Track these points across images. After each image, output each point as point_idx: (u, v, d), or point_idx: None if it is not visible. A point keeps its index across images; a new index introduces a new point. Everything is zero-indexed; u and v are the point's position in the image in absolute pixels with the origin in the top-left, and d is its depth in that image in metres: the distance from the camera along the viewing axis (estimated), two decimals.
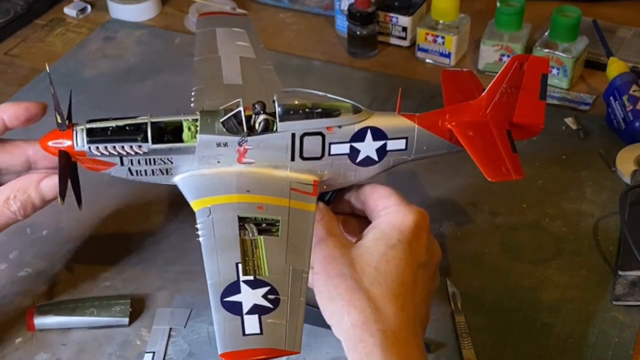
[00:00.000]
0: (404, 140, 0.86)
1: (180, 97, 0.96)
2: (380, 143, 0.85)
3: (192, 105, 0.91)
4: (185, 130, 0.82)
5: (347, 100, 0.84)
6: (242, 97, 0.82)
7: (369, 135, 0.85)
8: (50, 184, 0.79)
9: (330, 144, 0.84)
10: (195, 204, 0.80)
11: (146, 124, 0.81)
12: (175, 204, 1.06)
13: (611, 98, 1.19)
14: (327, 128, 0.83)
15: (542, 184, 1.11)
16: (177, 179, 0.83)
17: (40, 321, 0.92)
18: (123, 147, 0.80)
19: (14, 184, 0.79)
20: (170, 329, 0.92)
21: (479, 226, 1.05)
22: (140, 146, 0.80)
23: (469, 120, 0.88)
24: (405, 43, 1.39)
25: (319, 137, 0.83)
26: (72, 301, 0.94)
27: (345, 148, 0.84)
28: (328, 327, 0.89)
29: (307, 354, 0.89)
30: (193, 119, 0.82)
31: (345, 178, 0.87)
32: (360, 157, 0.85)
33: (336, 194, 0.89)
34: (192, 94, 0.93)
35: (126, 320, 0.92)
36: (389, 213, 0.80)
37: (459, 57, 1.36)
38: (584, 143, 1.18)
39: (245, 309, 0.70)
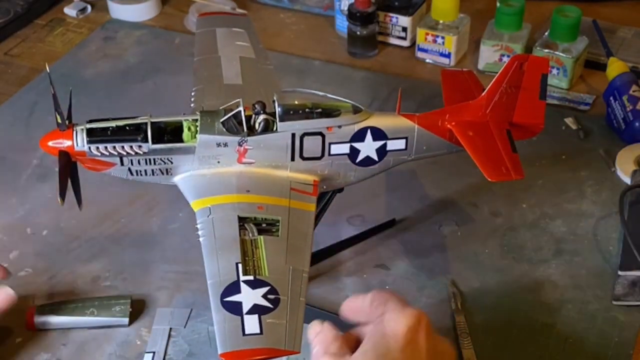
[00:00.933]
0: (404, 140, 0.86)
1: (180, 97, 0.96)
2: (380, 143, 0.85)
3: (192, 105, 0.92)
4: (185, 130, 0.82)
5: (347, 100, 0.84)
6: (242, 97, 0.82)
7: (369, 135, 0.85)
8: (1, 296, 0.81)
9: (330, 144, 0.84)
10: (195, 204, 0.80)
11: (146, 124, 0.81)
12: (175, 204, 1.06)
13: (611, 98, 1.19)
14: (327, 128, 0.83)
15: (542, 184, 1.11)
16: (177, 179, 0.83)
17: (40, 321, 0.92)
18: (123, 147, 0.80)
19: None
20: (170, 329, 0.92)
21: (479, 226, 1.05)
22: (140, 146, 0.80)
23: (469, 120, 0.88)
24: (405, 43, 1.39)
25: (319, 137, 0.83)
26: (72, 301, 0.94)
27: (345, 148, 0.84)
28: None
29: (307, 354, 0.88)
30: (193, 119, 0.82)
31: (345, 178, 0.87)
32: (360, 157, 0.85)
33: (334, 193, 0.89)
34: (192, 94, 0.94)
35: (126, 320, 0.92)
36: (382, 321, 0.72)
37: (459, 57, 1.36)
38: (584, 143, 1.18)
39: (245, 309, 0.70)
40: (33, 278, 0.99)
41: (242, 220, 0.78)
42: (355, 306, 0.75)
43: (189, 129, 0.82)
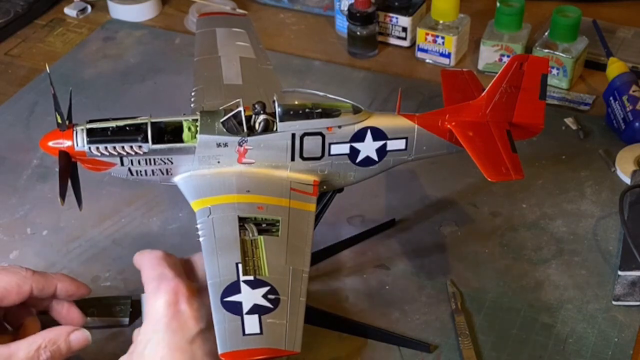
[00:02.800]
0: (403, 141, 0.86)
1: (180, 97, 0.96)
2: (380, 143, 0.85)
3: (192, 105, 0.92)
4: (185, 130, 0.82)
5: (347, 101, 0.84)
6: (242, 97, 0.82)
7: (369, 135, 0.85)
8: (79, 337, 0.80)
9: (330, 144, 0.84)
10: (195, 204, 0.80)
11: (146, 124, 0.81)
12: (175, 204, 1.06)
13: (611, 98, 1.19)
14: (327, 128, 0.83)
15: (542, 184, 1.11)
16: (177, 179, 0.83)
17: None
18: (123, 147, 0.80)
19: (46, 334, 0.79)
20: None
21: (479, 226, 1.05)
22: (140, 146, 0.80)
23: (469, 120, 0.88)
24: (405, 43, 1.39)
25: (319, 137, 0.83)
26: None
27: (345, 148, 0.84)
28: (328, 327, 0.89)
29: (307, 354, 0.88)
30: (193, 119, 0.82)
31: (345, 178, 0.87)
32: (360, 157, 0.85)
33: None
34: (192, 94, 0.94)
35: (126, 320, 0.92)
36: (143, 302, 0.77)
37: (459, 57, 1.36)
38: (584, 143, 1.18)
39: (245, 309, 0.70)
40: None
41: (242, 221, 0.78)
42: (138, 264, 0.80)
43: (189, 129, 0.82)
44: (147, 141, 0.80)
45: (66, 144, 0.80)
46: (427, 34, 1.34)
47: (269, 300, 0.71)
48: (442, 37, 1.33)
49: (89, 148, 0.80)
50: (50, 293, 0.82)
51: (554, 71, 1.27)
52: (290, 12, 1.51)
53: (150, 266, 0.78)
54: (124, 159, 0.81)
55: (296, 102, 0.83)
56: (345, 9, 1.37)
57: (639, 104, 1.16)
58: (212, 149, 0.81)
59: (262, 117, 0.82)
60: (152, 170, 0.82)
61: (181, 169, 0.82)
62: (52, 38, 1.46)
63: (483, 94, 0.88)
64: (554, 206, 1.08)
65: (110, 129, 0.81)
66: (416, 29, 1.35)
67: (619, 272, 0.96)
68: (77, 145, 0.80)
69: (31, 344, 0.76)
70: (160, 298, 0.74)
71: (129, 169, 0.82)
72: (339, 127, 0.83)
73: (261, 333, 0.69)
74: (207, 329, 0.73)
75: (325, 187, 0.87)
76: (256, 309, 0.71)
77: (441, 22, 1.33)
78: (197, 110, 0.85)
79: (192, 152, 0.81)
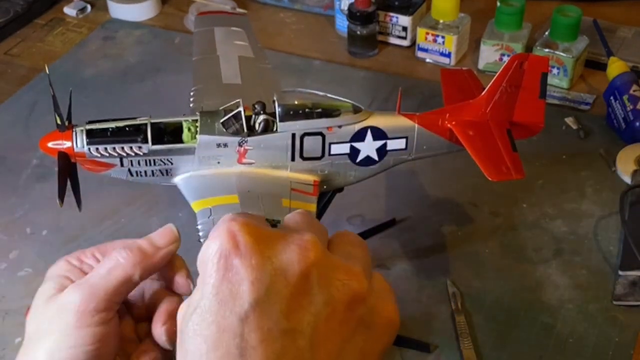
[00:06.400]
0: (404, 140, 0.86)
1: (180, 97, 0.96)
2: (380, 143, 0.85)
3: (191, 105, 0.91)
4: (185, 131, 0.82)
5: (347, 100, 0.84)
6: (241, 97, 0.82)
7: (369, 135, 0.84)
8: (160, 232, 0.62)
9: (330, 144, 0.84)
10: (195, 205, 0.80)
11: (146, 124, 0.80)
12: (175, 205, 1.06)
13: (611, 98, 1.19)
14: (327, 128, 0.83)
15: (542, 184, 1.11)
16: (177, 180, 0.83)
17: None
18: (123, 148, 0.80)
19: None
20: None
21: (479, 226, 1.05)
22: (140, 147, 0.80)
23: (469, 120, 0.87)
24: (406, 43, 1.39)
25: (319, 137, 0.83)
26: None
27: (345, 148, 0.84)
28: None
29: None
30: (193, 120, 0.82)
31: (345, 178, 0.87)
32: (361, 156, 0.85)
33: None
34: (191, 93, 0.93)
35: None
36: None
37: (459, 57, 1.36)
38: (584, 143, 1.18)
39: None
40: (33, 278, 0.99)
41: None
42: None
43: (189, 129, 0.82)
44: (146, 142, 0.80)
45: (66, 145, 0.80)
46: (427, 34, 1.33)
47: None
48: (443, 37, 1.32)
49: (89, 149, 0.80)
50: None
51: (555, 71, 1.27)
52: (290, 12, 1.51)
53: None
54: (124, 159, 0.81)
55: (296, 102, 0.83)
56: (346, 8, 1.37)
57: (639, 104, 1.16)
58: (212, 150, 0.81)
59: (262, 117, 0.82)
60: (152, 171, 0.82)
61: (181, 170, 0.82)
62: (52, 37, 1.46)
63: (483, 93, 0.88)
64: (554, 206, 1.08)
65: (110, 129, 0.80)
66: (416, 29, 1.35)
67: (620, 272, 0.96)
68: (77, 146, 0.80)
69: None
70: (213, 244, 0.48)
71: (129, 170, 0.82)
72: (339, 126, 0.83)
73: None
74: (267, 297, 0.47)
75: (325, 187, 0.87)
76: None
77: (441, 21, 1.33)
78: (197, 110, 0.85)
79: (192, 153, 0.81)
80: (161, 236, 0.60)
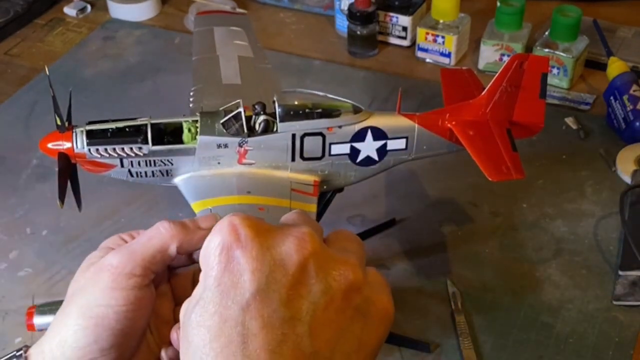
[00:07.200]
0: (404, 140, 0.86)
1: (180, 97, 0.96)
2: (380, 143, 0.85)
3: (190, 105, 0.91)
4: (186, 131, 0.82)
5: (347, 101, 0.84)
6: (241, 97, 0.82)
7: (369, 135, 0.85)
8: (204, 216, 0.63)
9: (330, 144, 0.84)
10: (195, 206, 0.80)
11: (146, 125, 0.80)
12: (175, 205, 1.06)
13: (611, 98, 1.19)
14: (328, 128, 0.83)
15: (542, 184, 1.11)
16: (178, 180, 0.83)
17: (40, 321, 0.91)
18: (123, 148, 0.80)
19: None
20: None
21: (479, 226, 1.05)
22: (140, 148, 0.80)
23: (469, 120, 0.87)
24: (406, 43, 1.39)
25: (320, 138, 0.83)
26: None
27: (345, 148, 0.84)
28: None
29: None
30: (193, 120, 0.82)
31: (346, 178, 0.87)
32: (361, 157, 0.85)
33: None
34: (191, 93, 0.93)
35: None
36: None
37: (459, 57, 1.36)
38: (584, 143, 1.18)
39: None
40: (33, 278, 0.99)
41: None
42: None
43: (189, 130, 0.82)
44: (147, 142, 0.80)
45: (66, 145, 0.80)
46: (427, 34, 1.33)
47: None
48: (443, 37, 1.32)
49: (89, 150, 0.80)
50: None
51: (555, 71, 1.27)
52: (290, 12, 1.51)
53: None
54: (124, 160, 0.81)
55: (296, 103, 0.83)
56: (346, 8, 1.36)
57: (639, 104, 1.16)
58: (212, 150, 0.81)
59: (262, 117, 0.82)
60: (152, 172, 0.82)
61: (181, 170, 0.82)
62: (52, 37, 1.46)
63: (483, 93, 0.88)
64: (554, 206, 1.08)
65: (110, 130, 0.80)
66: (416, 29, 1.35)
67: (620, 272, 0.96)
68: (77, 147, 0.80)
69: None
70: (216, 238, 0.51)
71: (129, 171, 0.82)
72: (340, 127, 0.83)
73: None
74: (267, 286, 0.49)
75: (325, 187, 0.87)
76: None
77: (441, 21, 1.33)
78: (196, 110, 0.85)
79: (192, 153, 0.81)
80: (204, 219, 0.62)
